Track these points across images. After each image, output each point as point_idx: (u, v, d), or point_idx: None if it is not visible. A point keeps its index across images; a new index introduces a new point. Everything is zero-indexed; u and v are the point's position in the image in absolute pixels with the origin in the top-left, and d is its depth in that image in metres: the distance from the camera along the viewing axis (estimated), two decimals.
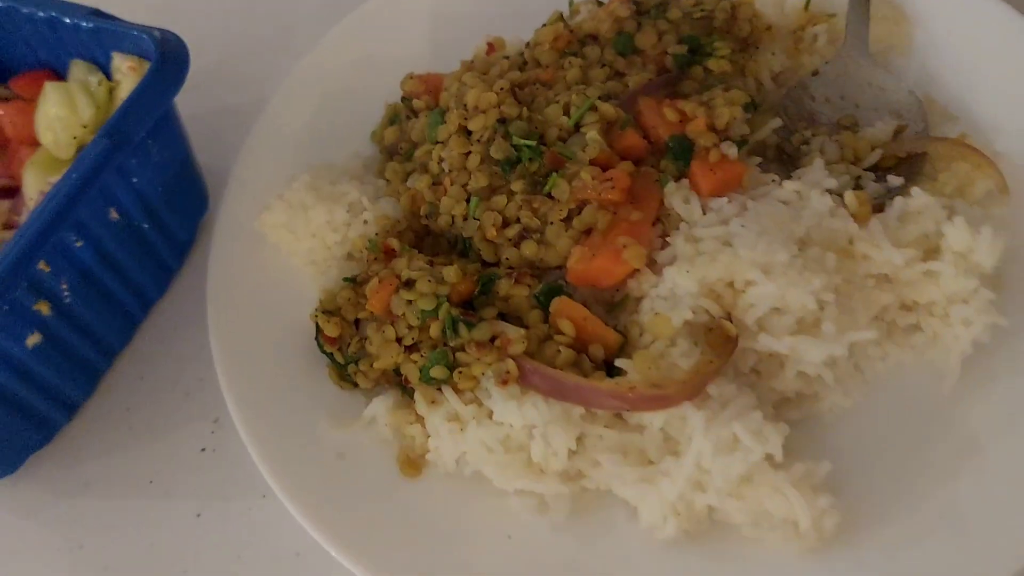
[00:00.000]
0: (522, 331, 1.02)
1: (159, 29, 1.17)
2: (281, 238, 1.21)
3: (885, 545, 0.95)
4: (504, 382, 0.99)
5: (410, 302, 1.06)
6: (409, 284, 1.07)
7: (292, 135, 1.33)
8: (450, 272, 1.06)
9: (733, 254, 0.99)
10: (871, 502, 0.97)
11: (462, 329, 1.03)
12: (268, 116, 1.34)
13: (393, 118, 1.34)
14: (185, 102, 1.28)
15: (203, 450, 1.19)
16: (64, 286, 1.10)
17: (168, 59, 1.13)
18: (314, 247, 1.20)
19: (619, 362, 1.00)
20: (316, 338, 1.15)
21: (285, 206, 1.20)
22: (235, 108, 1.47)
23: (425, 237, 1.20)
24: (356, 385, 1.13)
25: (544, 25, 1.28)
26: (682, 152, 1.10)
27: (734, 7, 1.30)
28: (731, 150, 1.10)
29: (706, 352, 0.98)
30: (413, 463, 1.07)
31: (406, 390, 1.10)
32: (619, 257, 1.02)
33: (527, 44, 1.29)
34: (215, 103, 1.50)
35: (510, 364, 0.99)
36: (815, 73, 1.27)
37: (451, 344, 1.04)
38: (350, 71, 1.40)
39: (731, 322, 1.00)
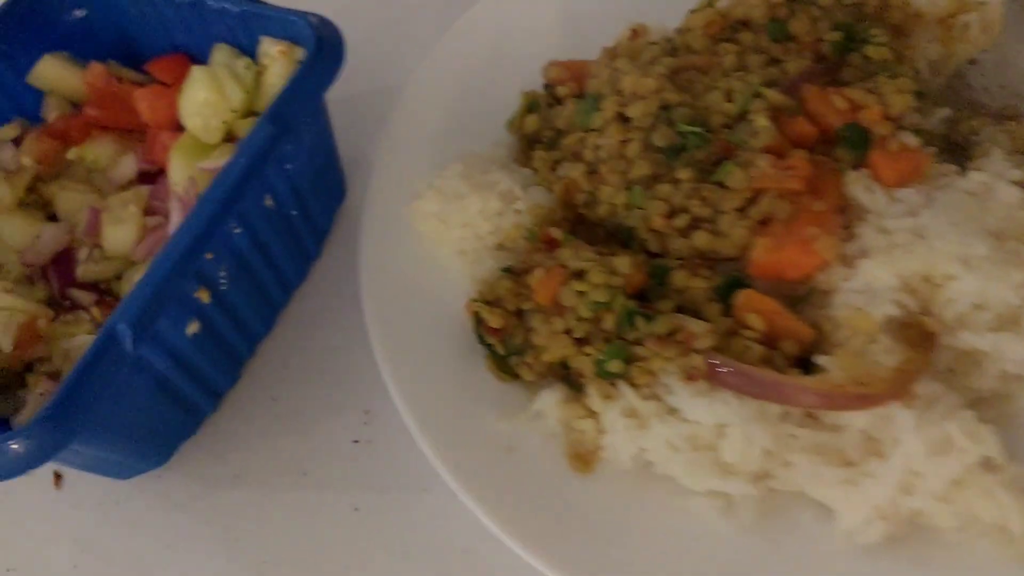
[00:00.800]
0: (708, 325, 0.94)
1: (314, 14, 1.09)
2: (430, 227, 1.14)
3: None
4: (691, 378, 0.92)
5: (581, 293, 0.98)
6: (579, 275, 0.99)
7: (430, 124, 1.25)
8: (623, 263, 0.99)
9: (929, 247, 0.91)
10: None
11: (639, 322, 0.95)
12: (405, 105, 1.25)
13: (531, 106, 1.26)
14: None
15: (356, 442, 1.11)
16: (223, 273, 1.03)
17: (326, 44, 1.06)
18: (464, 236, 1.13)
19: (819, 359, 0.91)
20: (476, 329, 1.07)
21: (437, 195, 1.12)
22: (363, 95, 1.39)
23: (578, 226, 1.12)
24: (516, 377, 1.06)
25: (693, 11, 1.20)
26: (858, 141, 1.01)
27: None
28: (910, 139, 1.01)
29: (907, 350, 0.90)
30: (584, 458, 0.99)
31: (573, 383, 1.02)
32: (809, 248, 0.94)
33: (676, 30, 1.21)
34: (339, 91, 1.42)
35: (698, 359, 0.92)
36: (972, 62, 1.18)
37: (628, 338, 0.96)
38: (482, 59, 1.32)
39: (930, 318, 0.92)
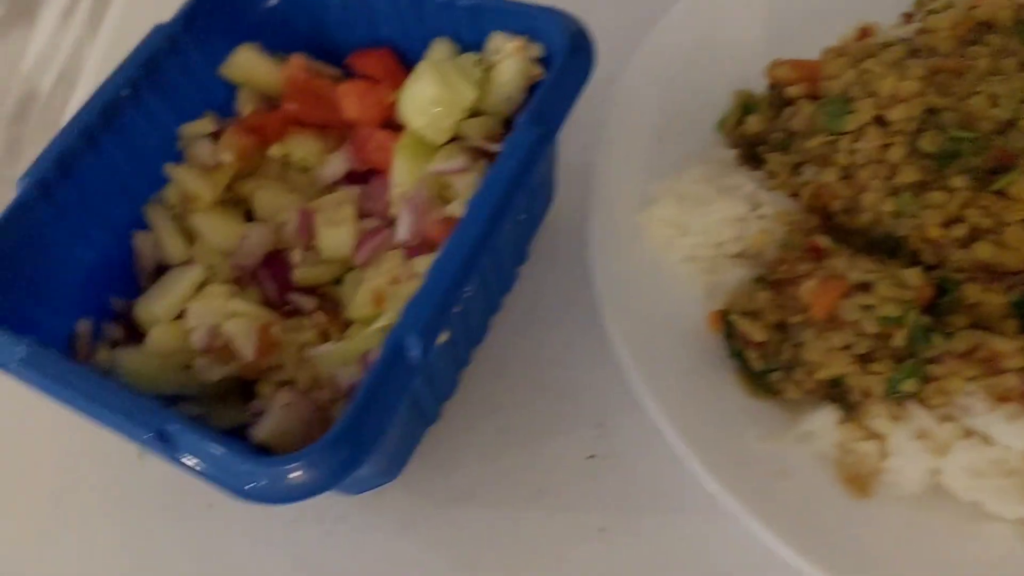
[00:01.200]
0: (1015, 343, 0.88)
1: (559, 10, 1.03)
2: (662, 233, 1.08)
3: None
4: (1003, 399, 0.86)
5: (867, 307, 0.92)
6: (863, 287, 0.93)
7: (644, 126, 1.17)
8: (912, 275, 0.92)
9: None
10: None
11: (936, 339, 0.89)
12: (619, 106, 1.19)
13: (747, 107, 1.20)
14: None
15: (591, 457, 1.05)
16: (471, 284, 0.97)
17: (578, 43, 0.99)
18: (697, 244, 1.07)
19: None
20: (728, 342, 1.01)
21: (676, 199, 1.06)
22: None
23: (829, 233, 1.06)
24: (773, 395, 0.99)
25: (933, 10, 1.14)
26: None
27: None
28: None
29: None
30: (862, 482, 0.93)
31: (843, 402, 0.97)
32: None
33: (916, 31, 1.14)
34: None
35: (1012, 379, 0.86)
36: None
37: (922, 355, 0.90)
38: (688, 57, 1.24)
39: None
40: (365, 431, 0.79)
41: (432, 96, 1.06)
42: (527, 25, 1.05)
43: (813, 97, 1.13)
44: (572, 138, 1.15)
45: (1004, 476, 0.86)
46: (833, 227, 1.05)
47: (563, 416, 1.08)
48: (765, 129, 1.16)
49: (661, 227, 1.07)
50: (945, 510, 0.90)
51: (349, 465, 0.78)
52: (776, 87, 1.17)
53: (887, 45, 1.13)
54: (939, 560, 0.88)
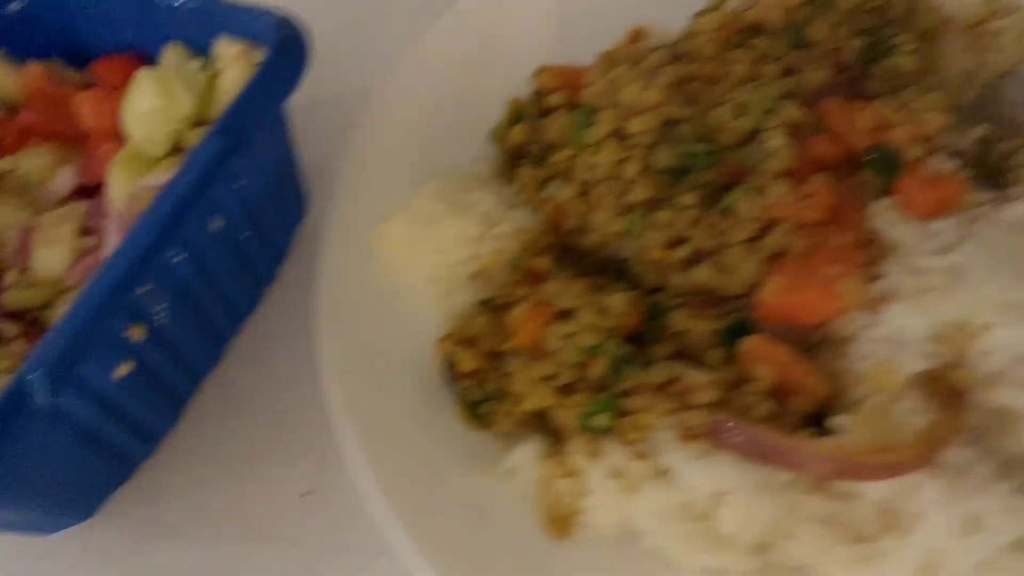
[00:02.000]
0: (709, 376, 0.87)
1: (276, 11, 1.03)
2: (399, 253, 1.08)
3: None
4: (690, 437, 0.85)
5: (568, 336, 0.92)
6: (566, 314, 0.93)
7: (403, 133, 1.19)
8: (617, 301, 0.92)
9: (968, 290, 0.84)
10: None
11: (632, 370, 0.89)
12: (376, 111, 1.19)
13: (518, 116, 1.20)
14: None
15: (306, 494, 1.04)
16: (161, 307, 0.96)
17: (288, 46, 1.00)
18: (437, 263, 1.06)
19: (837, 420, 0.85)
20: (445, 371, 1.01)
21: (408, 218, 1.06)
22: (332, 98, 1.33)
23: (567, 253, 1.06)
24: (489, 426, 0.99)
25: (701, 12, 1.13)
26: (887, 165, 0.95)
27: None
28: (945, 164, 0.95)
29: (932, 407, 0.83)
30: (562, 523, 0.92)
31: (553, 436, 0.96)
32: (829, 291, 0.87)
33: (682, 34, 1.14)
34: (309, 92, 1.36)
35: (697, 416, 0.85)
36: (1006, 74, 1.12)
37: (617, 388, 0.89)
38: (465, 61, 1.25)
39: (960, 372, 0.85)
40: None
41: (149, 106, 1.07)
42: (247, 29, 1.05)
43: (574, 106, 1.13)
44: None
45: (690, 521, 0.85)
46: (568, 246, 1.05)
47: (282, 448, 1.08)
48: (527, 140, 1.15)
49: (396, 246, 1.07)
50: (641, 555, 0.89)
51: None
52: (539, 95, 1.17)
53: (654, 50, 1.14)
54: None
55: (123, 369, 0.94)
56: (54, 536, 1.04)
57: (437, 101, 1.23)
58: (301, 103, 1.30)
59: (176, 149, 1.09)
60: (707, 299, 0.94)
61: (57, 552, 1.04)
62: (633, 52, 1.15)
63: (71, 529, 1.04)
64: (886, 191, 0.95)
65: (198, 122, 1.09)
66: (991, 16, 1.19)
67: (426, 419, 0.99)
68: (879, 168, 0.95)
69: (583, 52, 1.20)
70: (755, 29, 1.12)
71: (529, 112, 1.18)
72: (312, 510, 1.04)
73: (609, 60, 1.15)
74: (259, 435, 1.10)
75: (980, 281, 0.84)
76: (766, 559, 0.87)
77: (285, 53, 0.99)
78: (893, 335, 0.86)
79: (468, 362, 0.97)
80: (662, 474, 0.87)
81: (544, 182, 1.10)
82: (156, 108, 1.06)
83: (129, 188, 1.07)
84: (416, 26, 1.28)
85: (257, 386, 1.13)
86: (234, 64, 1.07)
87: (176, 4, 1.08)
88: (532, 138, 1.15)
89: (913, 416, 0.82)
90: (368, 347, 1.03)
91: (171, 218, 0.90)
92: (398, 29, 1.34)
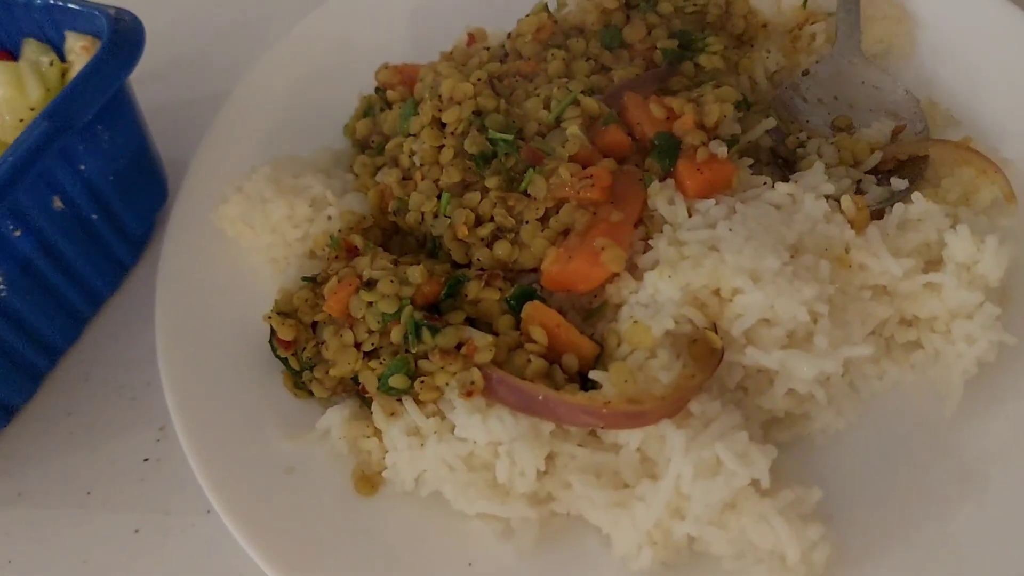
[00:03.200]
0: (490, 338, 0.93)
1: (113, 7, 1.09)
2: (240, 233, 1.13)
3: None
4: (469, 393, 0.91)
5: (370, 304, 0.97)
6: (370, 284, 0.98)
7: (259, 125, 1.25)
8: (415, 272, 0.98)
9: (719, 259, 0.91)
10: (864, 533, 0.89)
11: (425, 334, 0.95)
12: (233, 104, 1.26)
13: (367, 111, 1.26)
14: (150, 92, 1.21)
15: (146, 460, 1.10)
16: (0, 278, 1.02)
17: (121, 38, 1.06)
18: (274, 243, 1.12)
19: (593, 374, 0.91)
20: (270, 341, 1.06)
21: (243, 198, 1.12)
22: (203, 99, 1.38)
23: (393, 235, 1.12)
24: (311, 394, 1.04)
25: (527, 15, 1.21)
26: (668, 150, 1.02)
27: (728, 3, 1.23)
28: (720, 149, 1.02)
29: (688, 366, 0.90)
30: (368, 480, 0.98)
31: (364, 400, 1.01)
32: (597, 260, 0.94)
33: (508, 35, 1.21)
34: (182, 94, 1.42)
35: (475, 374, 0.91)
36: (805, 73, 1.20)
37: (413, 351, 0.95)
38: (324, 62, 1.33)
39: (716, 333, 0.92)
40: None
41: (0, 95, 1.12)
42: (91, 24, 1.12)
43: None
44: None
45: (471, 471, 0.91)
46: (395, 229, 1.11)
47: (130, 419, 1.14)
48: (369, 132, 1.22)
49: (235, 226, 1.13)
50: (443, 506, 0.95)
51: None
52: (380, 90, 1.24)
53: (486, 49, 1.21)
54: (423, 560, 0.93)
55: None
56: None
57: (296, 98, 1.29)
58: (168, 103, 1.37)
59: None
60: (508, 274, 1.01)
61: None
62: (466, 51, 1.23)
63: None
64: (667, 175, 1.02)
65: None
66: (807, 20, 1.28)
67: (254, 390, 1.05)
68: (662, 153, 1.02)
69: (434, 51, 1.28)
70: (576, 31, 1.20)
71: (374, 107, 1.25)
72: (151, 474, 1.09)
73: (445, 58, 1.23)
74: (109, 408, 1.15)
75: (731, 252, 0.91)
76: (550, 509, 0.93)
77: (117, 44, 1.06)
78: (652, 299, 0.93)
79: (286, 332, 1.03)
80: (452, 430, 0.93)
81: (378, 170, 1.16)
82: (7, 97, 1.12)
83: None
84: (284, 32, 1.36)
85: (110, 362, 1.19)
86: (81, 57, 1.13)
87: (30, 2, 1.14)
88: (374, 130, 1.22)
89: (664, 371, 0.89)
90: (206, 323, 1.09)
91: None
92: (269, 39, 1.40)
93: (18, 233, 1.02)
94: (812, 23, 1.27)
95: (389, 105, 1.22)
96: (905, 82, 1.18)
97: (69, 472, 1.10)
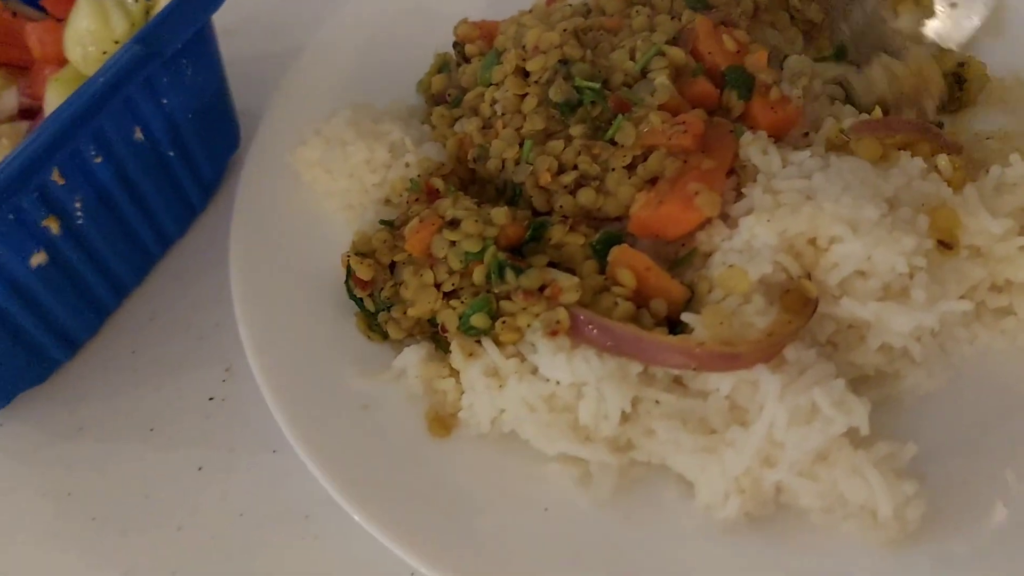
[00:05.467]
0: (576, 279, 0.90)
1: None
2: (315, 177, 1.11)
3: (973, 541, 0.82)
4: (553, 333, 0.88)
5: (453, 243, 0.95)
6: (454, 224, 0.96)
7: (333, 78, 1.23)
8: (499, 214, 0.96)
9: (817, 207, 0.88)
10: (956, 494, 0.85)
11: (509, 275, 0.92)
12: (309, 57, 1.24)
13: (442, 67, 1.24)
14: (223, 46, 1.20)
15: (211, 399, 1.07)
16: (78, 204, 1.00)
17: None
18: (350, 188, 1.10)
19: (685, 316, 0.88)
20: (346, 282, 1.04)
21: (322, 141, 1.10)
22: (274, 55, 1.36)
23: (471, 184, 1.09)
24: (386, 336, 1.01)
25: None
26: (743, 84, 1.01)
27: None
28: (794, 91, 1.01)
29: (783, 314, 0.87)
30: (443, 421, 0.95)
31: (440, 343, 0.99)
32: (691, 204, 0.91)
33: None
34: (254, 49, 1.40)
35: (561, 313, 0.88)
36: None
37: (496, 291, 0.93)
38: (397, 20, 1.31)
39: (811, 283, 0.89)
40: None
41: (86, 27, 1.11)
42: None
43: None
44: None
45: (552, 412, 0.88)
46: (472, 178, 1.09)
47: (196, 359, 1.11)
48: (446, 87, 1.20)
49: (312, 170, 1.11)
50: (517, 450, 0.92)
51: None
52: (459, 46, 1.22)
53: (568, 7, 1.19)
54: (496, 503, 0.90)
55: (38, 258, 0.97)
56: None
57: (367, 55, 1.27)
58: (239, 58, 1.36)
59: None
60: (591, 221, 0.98)
61: None
62: (546, 10, 1.21)
63: None
64: (743, 113, 1.01)
65: None
66: None
67: (328, 331, 1.02)
68: (737, 85, 1.00)
69: (510, 11, 1.26)
70: None
71: (449, 63, 1.23)
72: (216, 413, 1.07)
73: (522, 15, 1.21)
74: (175, 347, 1.13)
75: (829, 200, 0.88)
76: (630, 457, 0.90)
77: None
78: (747, 245, 0.89)
79: (364, 271, 1.01)
80: (533, 372, 0.90)
81: (454, 121, 1.14)
82: (92, 30, 1.10)
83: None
84: None
85: (178, 304, 1.17)
86: None
87: None
88: (450, 84, 1.20)
89: (759, 317, 0.86)
90: (280, 263, 1.07)
91: (81, 111, 0.94)
92: None
93: (99, 160, 1.00)
94: None
95: (467, 59, 1.21)
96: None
97: (132, 408, 1.08)
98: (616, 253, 0.92)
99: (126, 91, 0.97)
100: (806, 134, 1.02)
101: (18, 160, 0.90)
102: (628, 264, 0.91)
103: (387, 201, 1.10)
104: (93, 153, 0.99)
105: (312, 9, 1.44)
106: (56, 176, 0.95)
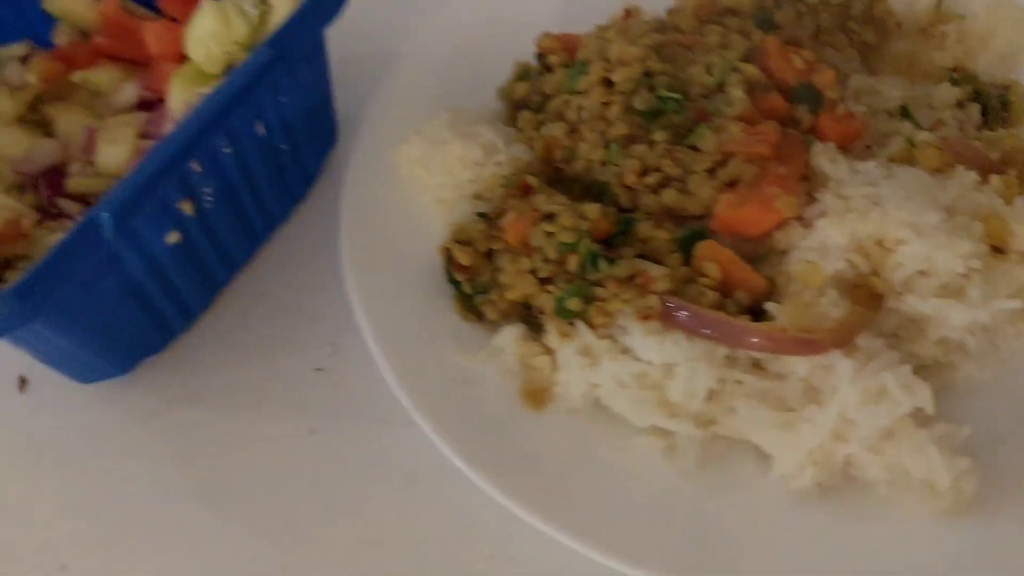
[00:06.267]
0: (666, 269, 1.00)
1: None
2: (414, 173, 1.21)
3: (1020, 517, 0.92)
4: (646, 317, 0.98)
5: (550, 234, 1.04)
6: (550, 217, 1.06)
7: (425, 84, 1.32)
8: (592, 209, 1.05)
9: (884, 212, 0.97)
10: (1006, 474, 0.95)
11: (602, 264, 1.01)
12: (404, 64, 1.34)
13: (523, 75, 1.34)
14: None
15: (319, 370, 1.17)
16: (208, 190, 1.09)
17: None
18: (445, 183, 1.19)
19: (769, 306, 0.97)
20: (446, 267, 1.13)
21: (423, 140, 1.19)
22: (362, 57, 1.47)
23: (557, 182, 1.19)
24: (480, 317, 1.11)
25: None
26: (811, 101, 1.10)
27: (873, 2, 1.31)
28: (858, 108, 1.10)
29: (854, 306, 0.96)
30: (537, 395, 1.04)
31: (532, 324, 1.08)
32: (770, 206, 1.00)
33: (667, 12, 1.29)
34: (343, 52, 1.50)
35: (653, 300, 0.98)
36: None
37: (589, 279, 1.02)
38: (480, 31, 1.40)
39: (878, 279, 0.98)
40: (43, 288, 0.91)
41: (208, 28, 1.20)
42: None
43: (569, 65, 1.27)
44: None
45: (643, 388, 0.98)
46: (557, 177, 1.18)
47: (301, 335, 1.21)
48: (528, 93, 1.29)
49: (410, 166, 1.20)
50: (605, 423, 1.02)
51: (24, 313, 0.90)
52: (541, 56, 1.32)
53: (643, 23, 1.28)
54: (587, 469, 0.99)
55: (172, 237, 1.07)
56: (90, 387, 1.16)
57: (455, 62, 1.36)
58: (344, 58, 1.45)
59: (229, 68, 1.23)
60: (672, 219, 1.08)
61: (93, 405, 1.16)
62: (623, 24, 1.30)
63: (106, 384, 1.16)
64: (812, 126, 1.10)
65: (249, 48, 1.23)
66: (938, 21, 1.35)
67: (428, 310, 1.11)
68: (806, 101, 1.10)
69: (585, 25, 1.35)
70: (730, 11, 1.27)
71: (532, 71, 1.33)
72: (324, 383, 1.16)
73: (603, 30, 1.30)
74: (282, 324, 1.22)
75: (894, 206, 0.97)
76: (712, 432, 0.99)
77: None
78: (821, 244, 0.99)
79: (465, 257, 1.10)
80: (623, 352, 1.00)
81: (540, 124, 1.24)
82: (214, 31, 1.20)
83: (186, 97, 1.20)
84: (437, 5, 1.43)
85: (283, 284, 1.26)
86: (284, 1, 1.21)
87: None
88: (533, 91, 1.29)
89: (833, 308, 0.95)
90: (382, 248, 1.16)
91: (222, 106, 1.03)
92: (419, 6, 1.49)
93: (227, 150, 1.09)
94: (944, 24, 1.34)
95: (549, 69, 1.30)
96: None
97: (246, 378, 1.16)
98: (703, 247, 1.01)
99: (258, 90, 1.07)
100: (868, 146, 1.12)
101: (170, 149, 0.99)
102: (714, 258, 1.00)
103: (477, 196, 1.20)
104: (224, 144, 1.09)
105: (394, 18, 1.55)
106: (195, 165, 1.05)
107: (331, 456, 1.09)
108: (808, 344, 0.92)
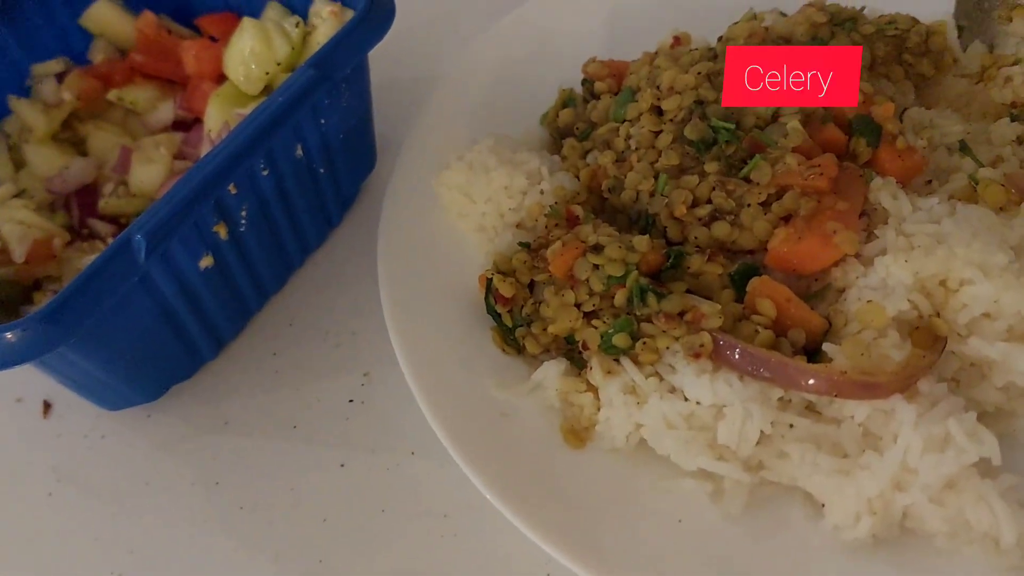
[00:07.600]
0: (718, 306, 0.99)
1: None
2: (454, 200, 1.20)
3: None
4: (696, 355, 0.96)
5: (597, 267, 1.03)
6: (597, 249, 1.05)
7: (466, 110, 1.33)
8: (641, 241, 1.04)
9: (949, 250, 0.96)
10: None
11: (651, 299, 1.00)
12: (445, 88, 1.34)
13: (566, 101, 1.34)
14: None
15: (351, 401, 1.16)
16: (243, 212, 1.09)
17: (377, 4, 1.15)
18: (486, 212, 1.19)
19: (827, 347, 0.95)
20: (486, 299, 1.12)
21: (465, 167, 1.19)
22: (401, 81, 1.49)
23: (602, 213, 1.19)
24: (520, 350, 1.10)
25: (736, 23, 1.28)
26: (870, 134, 1.09)
27: (929, 35, 1.30)
28: (919, 141, 1.09)
29: (916, 348, 0.94)
30: (578, 434, 1.03)
31: (575, 359, 1.07)
32: (829, 241, 0.99)
33: (719, 39, 1.29)
34: (383, 75, 1.52)
35: (705, 337, 0.96)
36: None
37: (637, 314, 1.01)
38: (524, 55, 1.41)
39: (941, 321, 0.96)
40: (73, 312, 0.91)
41: (249, 48, 1.22)
42: None
43: (615, 93, 1.27)
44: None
45: (691, 429, 0.96)
46: (602, 207, 1.18)
47: (334, 364, 1.20)
48: (573, 121, 1.29)
49: (451, 193, 1.20)
50: (647, 464, 1.00)
51: (54, 338, 0.90)
52: (587, 82, 1.32)
53: (692, 50, 1.28)
54: (629, 511, 0.97)
55: (206, 261, 1.07)
56: (118, 418, 1.16)
57: (498, 87, 1.37)
58: (383, 82, 1.46)
59: (268, 89, 1.24)
60: (724, 253, 1.07)
61: (118, 432, 1.16)
62: (672, 52, 1.30)
63: (133, 411, 1.16)
64: (871, 159, 1.09)
65: (290, 69, 1.24)
66: (994, 64, 1.34)
67: (467, 342, 1.11)
68: (865, 133, 1.09)
69: (629, 53, 1.36)
70: (783, 39, 1.27)
71: (576, 98, 1.33)
72: (356, 415, 1.15)
73: (651, 57, 1.30)
74: (313, 352, 1.22)
75: (960, 245, 0.95)
76: (761, 476, 0.97)
77: (374, 9, 1.14)
78: (882, 283, 0.97)
79: (507, 288, 1.09)
80: (671, 391, 0.98)
81: (586, 153, 1.24)
82: (255, 51, 1.21)
83: (224, 117, 1.21)
84: (490, 24, 1.45)
85: (315, 310, 1.26)
86: (327, 22, 1.22)
87: None
88: (578, 119, 1.29)
89: (894, 350, 0.93)
90: (421, 278, 1.16)
91: (263, 127, 1.03)
92: (475, 26, 1.50)
93: (266, 172, 1.10)
94: (1000, 67, 1.33)
95: (595, 96, 1.30)
96: None
97: (275, 407, 1.17)
98: (757, 284, 1.00)
99: (299, 111, 1.07)
100: (929, 182, 1.11)
101: (209, 170, 1.00)
102: (769, 295, 0.99)
103: (519, 225, 1.20)
104: (262, 166, 1.09)
105: (434, 43, 1.57)
106: (231, 187, 1.05)
107: (363, 490, 1.08)
108: (870, 387, 0.90)
